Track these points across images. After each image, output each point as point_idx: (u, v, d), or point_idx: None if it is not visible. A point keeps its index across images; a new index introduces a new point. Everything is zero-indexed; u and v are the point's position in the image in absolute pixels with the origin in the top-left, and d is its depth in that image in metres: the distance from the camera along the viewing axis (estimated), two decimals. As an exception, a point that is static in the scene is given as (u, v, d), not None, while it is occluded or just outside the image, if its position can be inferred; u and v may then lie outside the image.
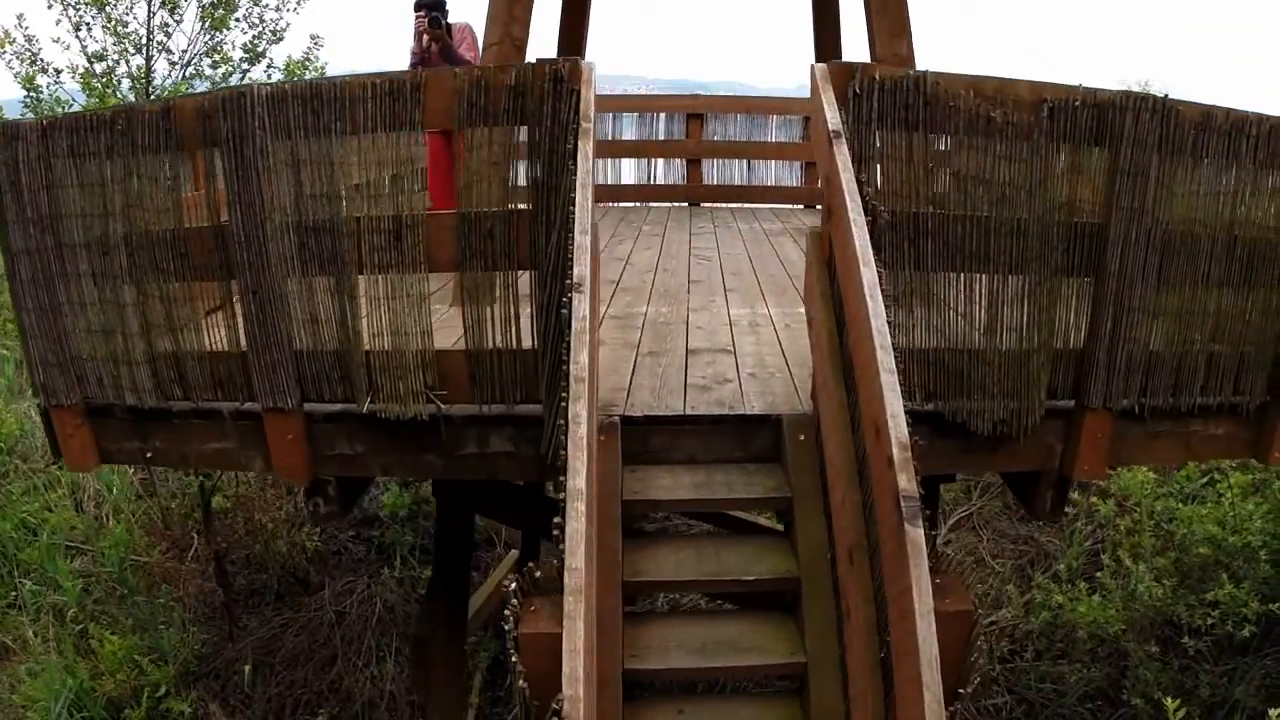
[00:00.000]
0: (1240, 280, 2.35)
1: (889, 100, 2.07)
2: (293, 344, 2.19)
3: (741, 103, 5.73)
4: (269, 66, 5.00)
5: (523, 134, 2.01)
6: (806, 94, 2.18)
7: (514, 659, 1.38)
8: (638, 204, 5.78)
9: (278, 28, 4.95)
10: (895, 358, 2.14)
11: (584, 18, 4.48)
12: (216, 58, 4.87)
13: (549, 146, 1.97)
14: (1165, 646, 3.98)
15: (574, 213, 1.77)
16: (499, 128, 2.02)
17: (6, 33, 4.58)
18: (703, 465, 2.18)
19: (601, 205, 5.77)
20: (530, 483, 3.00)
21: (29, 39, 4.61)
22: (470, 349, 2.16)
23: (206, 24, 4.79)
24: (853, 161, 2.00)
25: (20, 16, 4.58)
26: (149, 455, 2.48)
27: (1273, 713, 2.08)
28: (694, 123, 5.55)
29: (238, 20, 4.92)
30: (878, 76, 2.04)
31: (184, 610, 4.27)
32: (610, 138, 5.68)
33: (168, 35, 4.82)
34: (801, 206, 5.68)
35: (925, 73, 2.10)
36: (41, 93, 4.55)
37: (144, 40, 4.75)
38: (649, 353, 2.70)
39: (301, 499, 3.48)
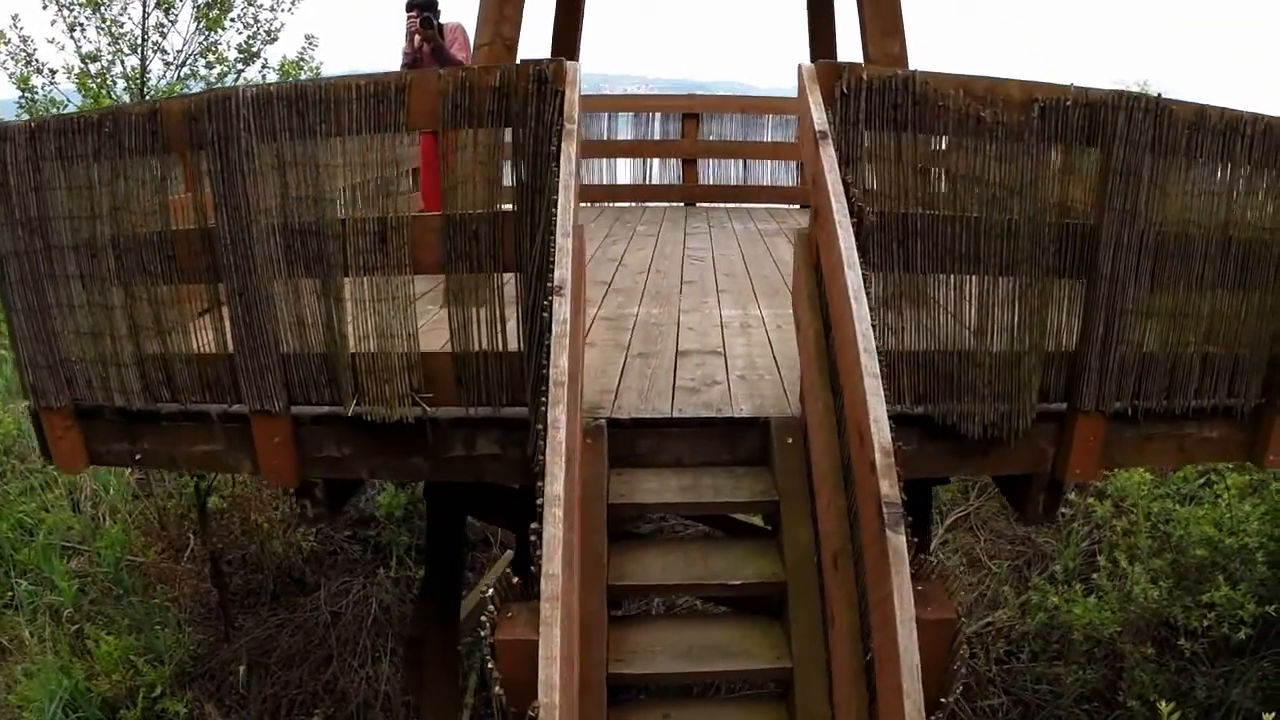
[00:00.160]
0: (1235, 282, 2.32)
1: (877, 100, 2.05)
2: (279, 347, 2.19)
3: (737, 102, 5.71)
4: (264, 67, 5.00)
5: (508, 135, 2.00)
6: (803, 93, 2.14)
7: (490, 665, 1.37)
8: (633, 204, 5.77)
9: (272, 28, 4.95)
10: (885, 360, 2.13)
11: (578, 17, 4.46)
12: (211, 58, 4.87)
13: (533, 148, 1.96)
14: (1162, 648, 3.96)
15: (556, 215, 1.76)
16: (484, 129, 2.01)
17: (1, 33, 4.59)
18: (690, 468, 2.17)
19: (597, 205, 5.76)
20: (523, 485, 3.00)
21: (24, 39, 4.61)
22: (456, 351, 2.15)
23: (201, 24, 4.79)
24: (840, 162, 1.99)
25: (15, 17, 4.58)
26: (138, 457, 2.48)
27: (1267, 717, 2.07)
28: (689, 122, 5.53)
29: (233, 20, 4.92)
30: (865, 76, 2.03)
31: (179, 610, 4.28)
32: (606, 137, 5.66)
33: (163, 35, 4.82)
34: (798, 206, 5.66)
35: (914, 72, 2.08)
36: (36, 93, 4.55)
37: (139, 40, 4.74)
38: (639, 354, 2.69)
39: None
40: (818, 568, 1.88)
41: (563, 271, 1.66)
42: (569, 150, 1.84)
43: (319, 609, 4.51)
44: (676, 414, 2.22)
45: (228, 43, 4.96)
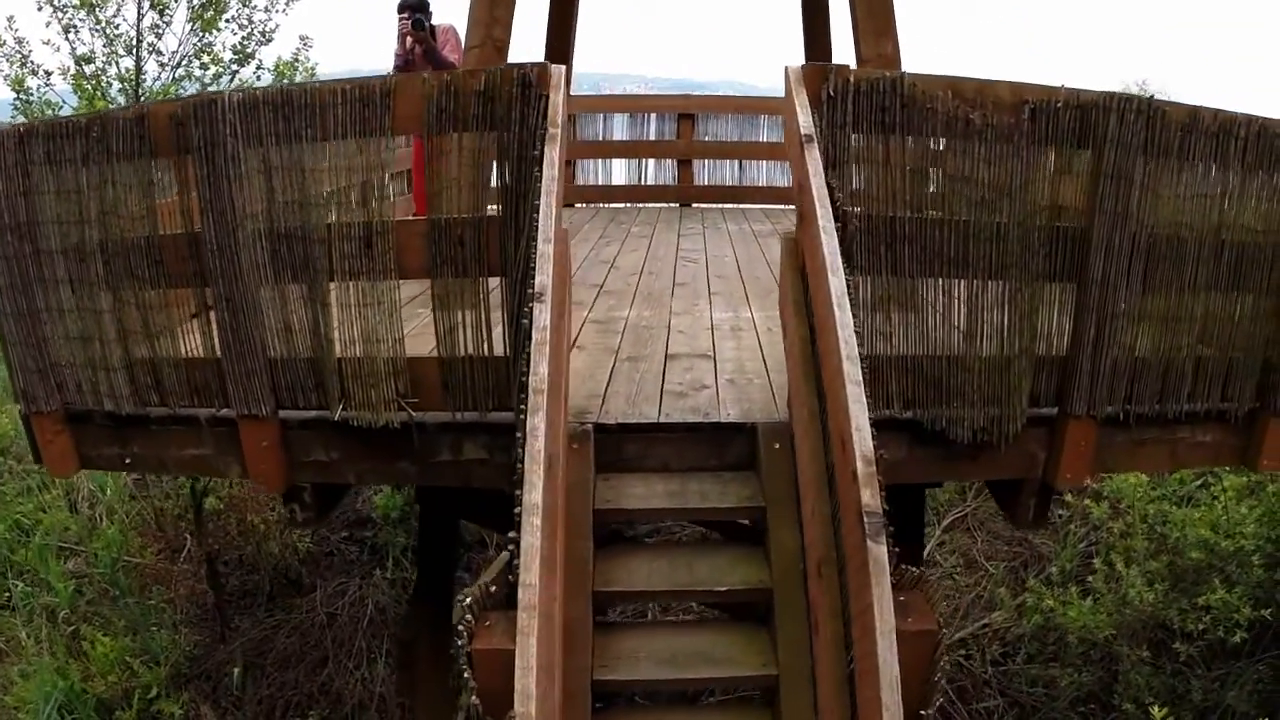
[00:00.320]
0: (1228, 284, 2.30)
1: (865, 103, 2.03)
2: (266, 351, 2.19)
3: (733, 102, 5.69)
4: (258, 68, 4.99)
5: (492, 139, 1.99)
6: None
7: (466, 675, 1.37)
8: (628, 205, 5.75)
9: (266, 29, 4.95)
10: (873, 365, 2.13)
11: (571, 17, 4.45)
12: (206, 59, 4.86)
13: (517, 152, 1.95)
14: (1158, 650, 3.95)
15: (538, 220, 1.75)
16: (469, 133, 2.00)
17: (-3, 34, 4.59)
18: (677, 473, 2.17)
19: (592, 206, 5.75)
20: (510, 490, 3.00)
21: (19, 41, 4.62)
22: (443, 356, 2.15)
23: (196, 25, 4.79)
24: (827, 166, 1.97)
25: (10, 19, 4.59)
26: (128, 461, 2.49)
27: (1261, 722, 2.05)
28: (685, 123, 5.51)
29: (228, 21, 4.91)
30: (852, 79, 2.01)
31: (175, 612, 4.30)
32: (601, 138, 5.65)
33: (158, 36, 4.82)
34: (793, 207, 5.63)
35: (902, 74, 2.06)
36: (31, 95, 4.56)
37: (134, 41, 4.74)
38: (628, 358, 2.68)
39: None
40: (804, 574, 1.87)
41: (544, 278, 1.65)
42: (552, 155, 1.83)
43: (315, 610, 4.52)
44: (663, 419, 2.21)
45: (223, 43, 4.96)
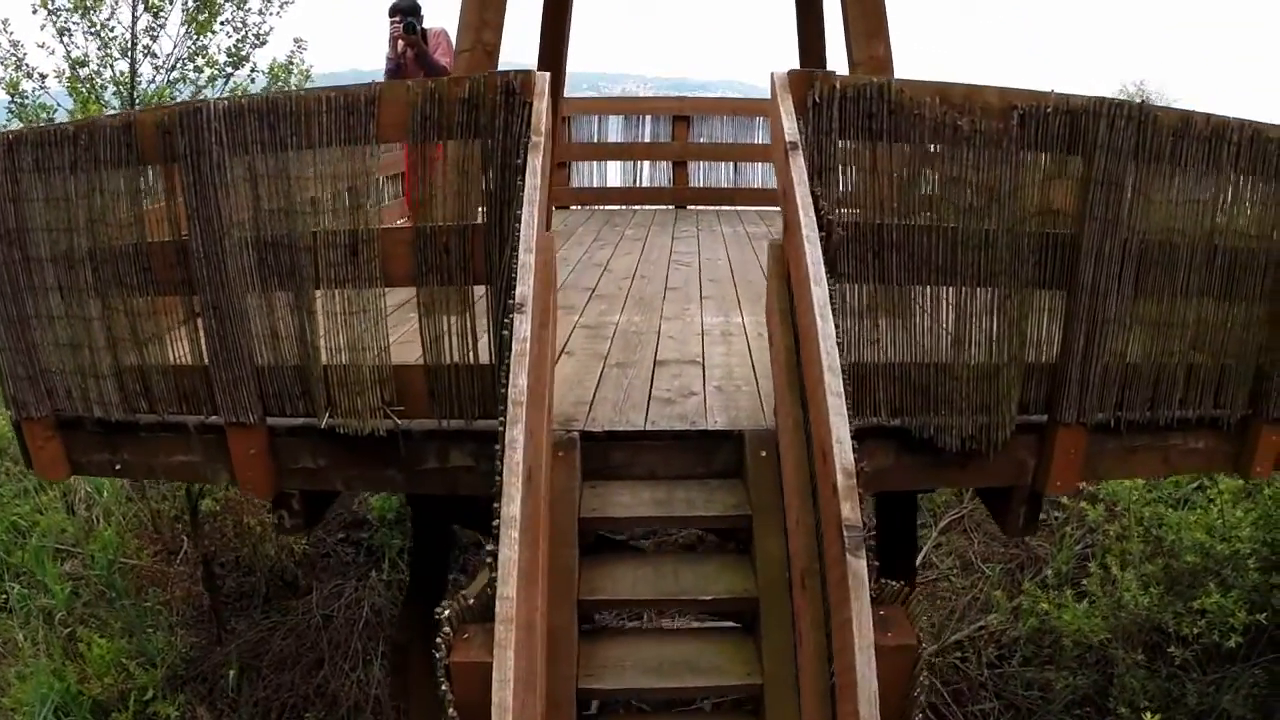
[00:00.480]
0: (1221, 291, 2.29)
1: (851, 109, 2.02)
2: (254, 359, 2.19)
3: (728, 104, 5.67)
4: (252, 70, 4.99)
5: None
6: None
7: (444, 688, 1.37)
8: (623, 207, 5.75)
9: (260, 32, 4.95)
10: (861, 372, 2.12)
11: (565, 19, 4.43)
12: (200, 61, 4.87)
13: (501, 160, 1.95)
14: (1153, 654, 3.94)
15: (519, 229, 1.74)
16: (453, 141, 1.99)
17: (-8, 38, 4.59)
18: (664, 481, 2.16)
19: (587, 208, 5.74)
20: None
21: (14, 44, 4.63)
22: (429, 364, 2.15)
23: (190, 28, 4.79)
24: (813, 173, 1.96)
25: (5, 21, 4.59)
26: (118, 467, 2.49)
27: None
28: (680, 125, 5.50)
29: (223, 24, 4.91)
30: (838, 85, 2.00)
31: (171, 614, 4.31)
32: (596, 140, 5.64)
33: (153, 39, 4.82)
34: (790, 209, 5.61)
35: (889, 80, 2.05)
36: (26, 98, 4.57)
37: (129, 44, 4.75)
38: (616, 364, 2.67)
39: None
40: (789, 584, 1.87)
41: (524, 288, 1.65)
42: (535, 164, 1.82)
43: (311, 612, 4.53)
44: (650, 426, 2.21)
45: (217, 46, 4.96)
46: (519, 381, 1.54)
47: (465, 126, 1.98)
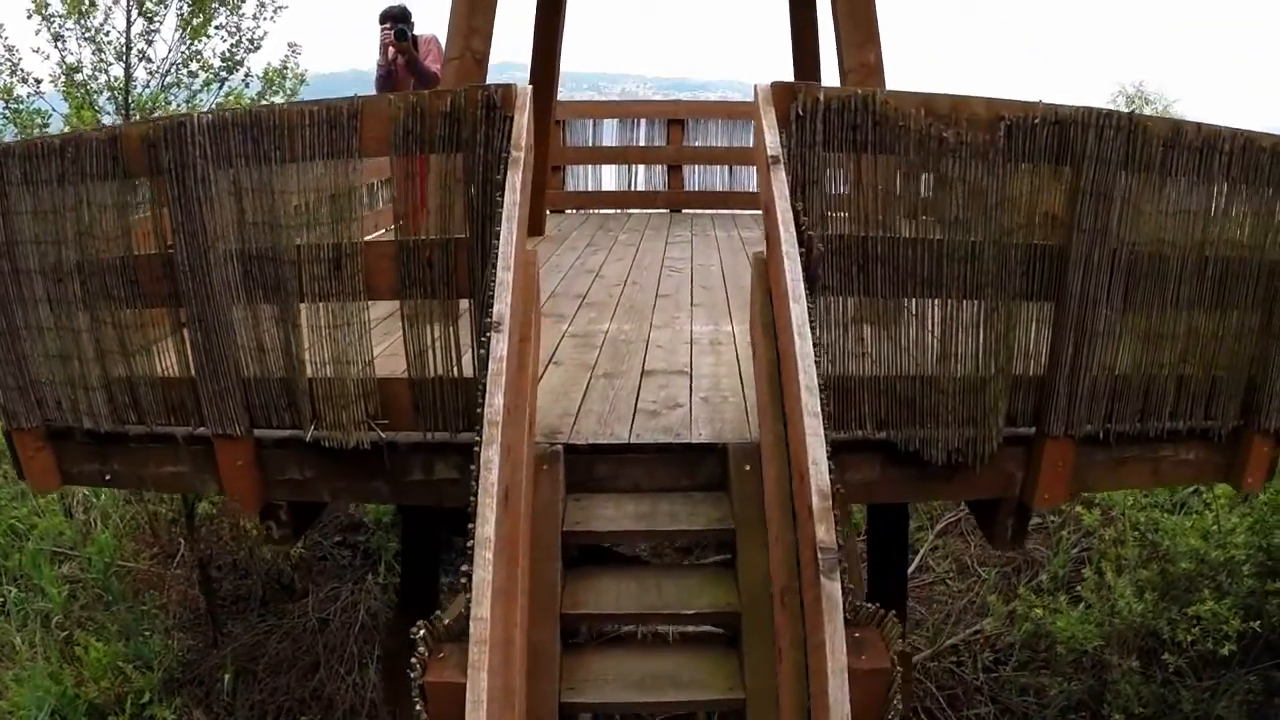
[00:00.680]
0: (1212, 302, 2.27)
1: (836, 121, 2.01)
2: (240, 372, 2.20)
3: (723, 108, 5.65)
4: (247, 75, 4.99)
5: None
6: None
7: (419, 708, 1.37)
8: (618, 211, 5.74)
9: (255, 36, 4.94)
10: (846, 385, 2.11)
11: (558, 20, 4.42)
12: (195, 66, 4.87)
13: (483, 175, 1.94)
14: (1148, 660, 3.93)
15: (498, 247, 1.74)
16: (436, 155, 1.99)
17: (-14, 43, 4.60)
18: (648, 494, 2.16)
19: (582, 212, 5.73)
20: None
21: (9, 49, 4.63)
22: (413, 377, 2.15)
23: (184, 32, 4.79)
24: (796, 186, 1.95)
25: (0, 26, 4.60)
26: (108, 477, 2.51)
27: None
28: (675, 128, 5.49)
29: (217, 28, 4.91)
30: (822, 97, 1.98)
31: (168, 617, 4.34)
32: (591, 144, 5.63)
33: (148, 43, 4.82)
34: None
35: (874, 92, 2.04)
36: (21, 104, 4.58)
37: (124, 49, 4.75)
38: (604, 374, 2.67)
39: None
40: (771, 598, 1.86)
41: (501, 307, 1.64)
42: (514, 180, 1.82)
43: (307, 615, 4.55)
44: (634, 439, 2.21)
45: (212, 50, 4.96)
46: (495, 401, 1.54)
47: (447, 140, 1.97)
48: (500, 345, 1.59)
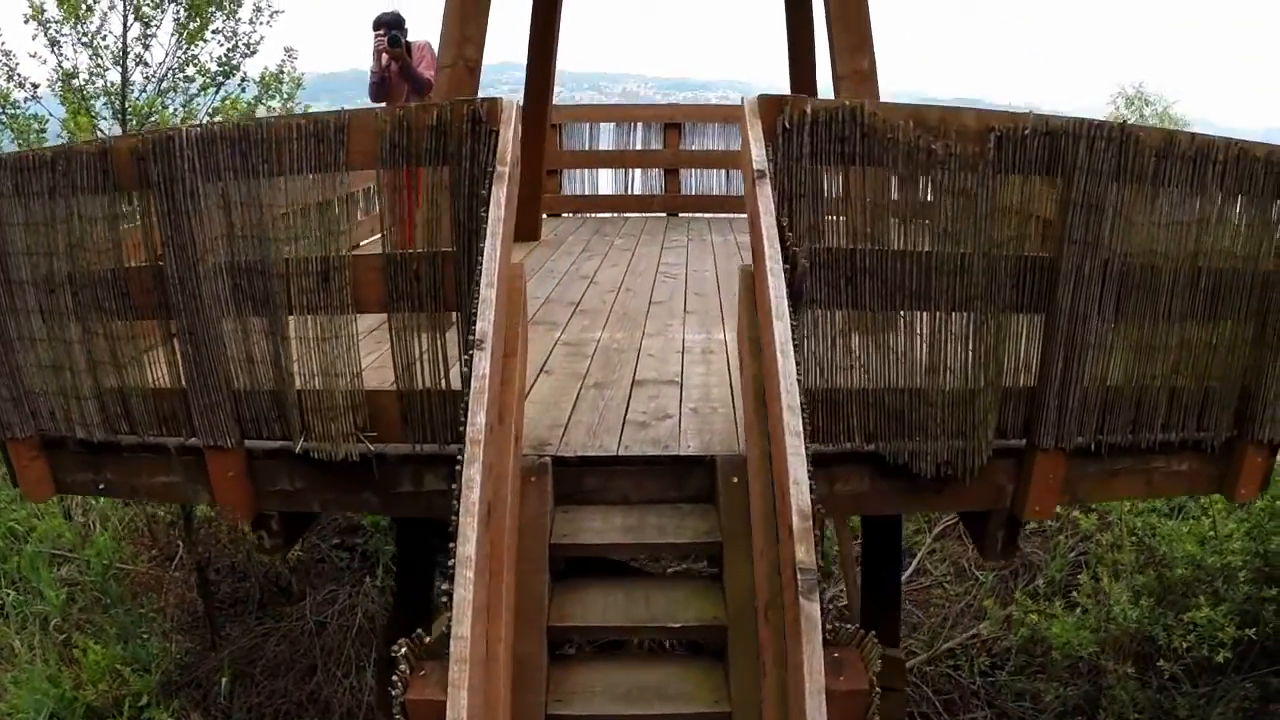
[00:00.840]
0: (1205, 313, 2.25)
1: (823, 133, 2.00)
2: (231, 384, 2.20)
3: (720, 112, 5.63)
4: (243, 80, 5.00)
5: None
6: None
7: (399, 729, 1.38)
8: (615, 215, 5.73)
9: (251, 41, 4.95)
10: (834, 397, 2.11)
11: (553, 25, 4.41)
12: (192, 71, 4.87)
13: (468, 189, 1.94)
14: (1144, 665, 3.92)
15: (481, 263, 1.74)
16: (423, 169, 1.99)
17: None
18: (636, 506, 2.16)
19: (578, 216, 5.73)
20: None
21: (6, 54, 4.64)
22: (401, 389, 2.15)
23: (181, 37, 4.79)
24: (783, 200, 1.94)
25: (-4, 31, 4.61)
26: (101, 487, 2.52)
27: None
28: (672, 132, 5.47)
29: (215, 33, 4.91)
30: (809, 110, 1.97)
31: (166, 620, 4.37)
32: (588, 148, 5.62)
33: (145, 47, 4.83)
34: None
35: (862, 104, 2.03)
36: (18, 109, 4.59)
37: (120, 54, 4.76)
38: (594, 384, 2.67)
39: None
40: (756, 612, 1.87)
41: (484, 324, 1.64)
42: (499, 195, 1.81)
43: (304, 618, 4.57)
44: (623, 452, 2.21)
45: (209, 55, 4.97)
46: (477, 419, 1.54)
47: (433, 154, 1.97)
48: (483, 363, 1.59)
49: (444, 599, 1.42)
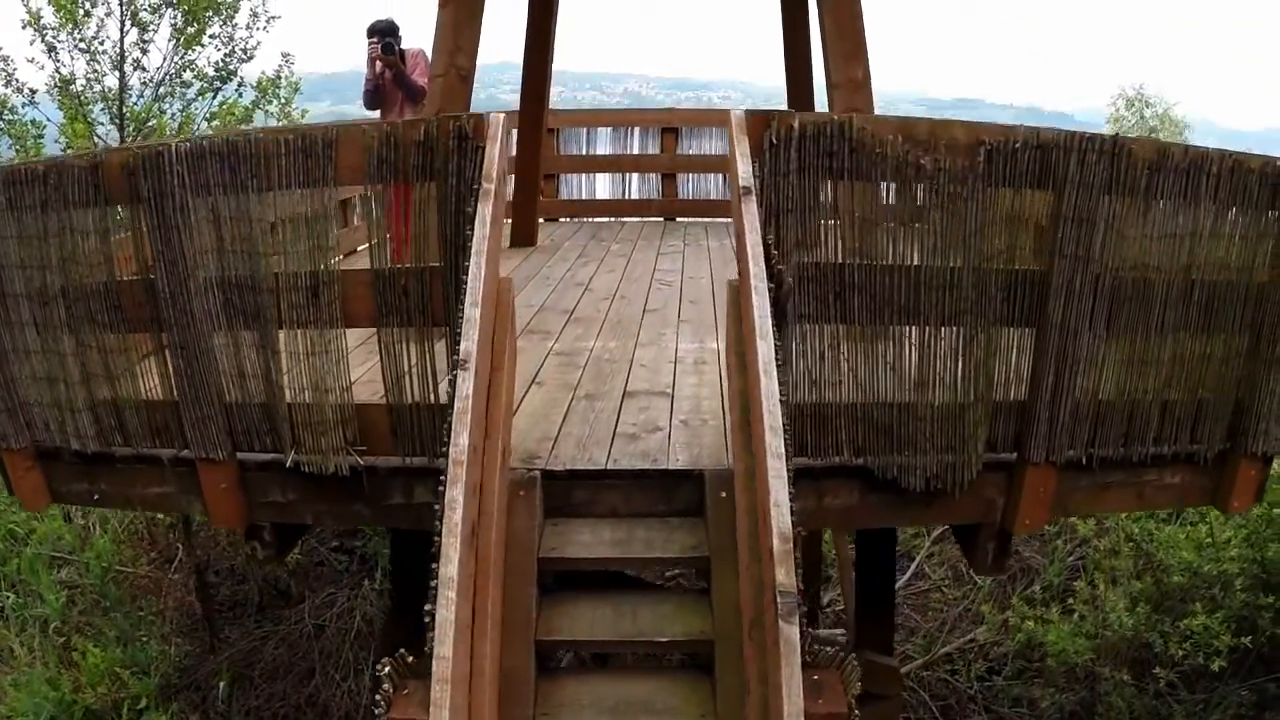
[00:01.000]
0: (1199, 326, 2.24)
1: (811, 148, 1.99)
2: (222, 397, 2.22)
3: (717, 116, 5.62)
4: (240, 85, 5.00)
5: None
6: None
7: (381, 748, 1.39)
8: (611, 219, 5.72)
9: (248, 46, 4.95)
10: (823, 412, 2.10)
11: (549, 31, 4.40)
12: (189, 75, 4.88)
13: (455, 205, 1.94)
14: (1141, 672, 3.91)
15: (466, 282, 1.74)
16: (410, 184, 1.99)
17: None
18: (624, 519, 2.17)
19: (575, 220, 5.72)
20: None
21: (3, 60, 4.66)
22: (391, 403, 2.16)
23: (178, 42, 4.80)
24: (770, 216, 1.94)
25: (-7, 37, 4.63)
26: (96, 497, 2.54)
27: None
28: (669, 136, 5.46)
29: (212, 38, 4.92)
30: (796, 125, 1.97)
31: (165, 623, 4.40)
32: (585, 152, 5.61)
33: (143, 53, 4.84)
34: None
35: (850, 118, 2.02)
36: (16, 114, 4.61)
37: (118, 59, 4.77)
38: (586, 395, 2.67)
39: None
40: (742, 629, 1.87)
41: (468, 344, 1.65)
42: (484, 212, 1.82)
43: (303, 621, 4.60)
44: (612, 465, 2.21)
45: (206, 59, 4.97)
46: (460, 440, 1.55)
47: (421, 170, 1.98)
48: (466, 384, 1.60)
49: (427, 619, 1.43)
